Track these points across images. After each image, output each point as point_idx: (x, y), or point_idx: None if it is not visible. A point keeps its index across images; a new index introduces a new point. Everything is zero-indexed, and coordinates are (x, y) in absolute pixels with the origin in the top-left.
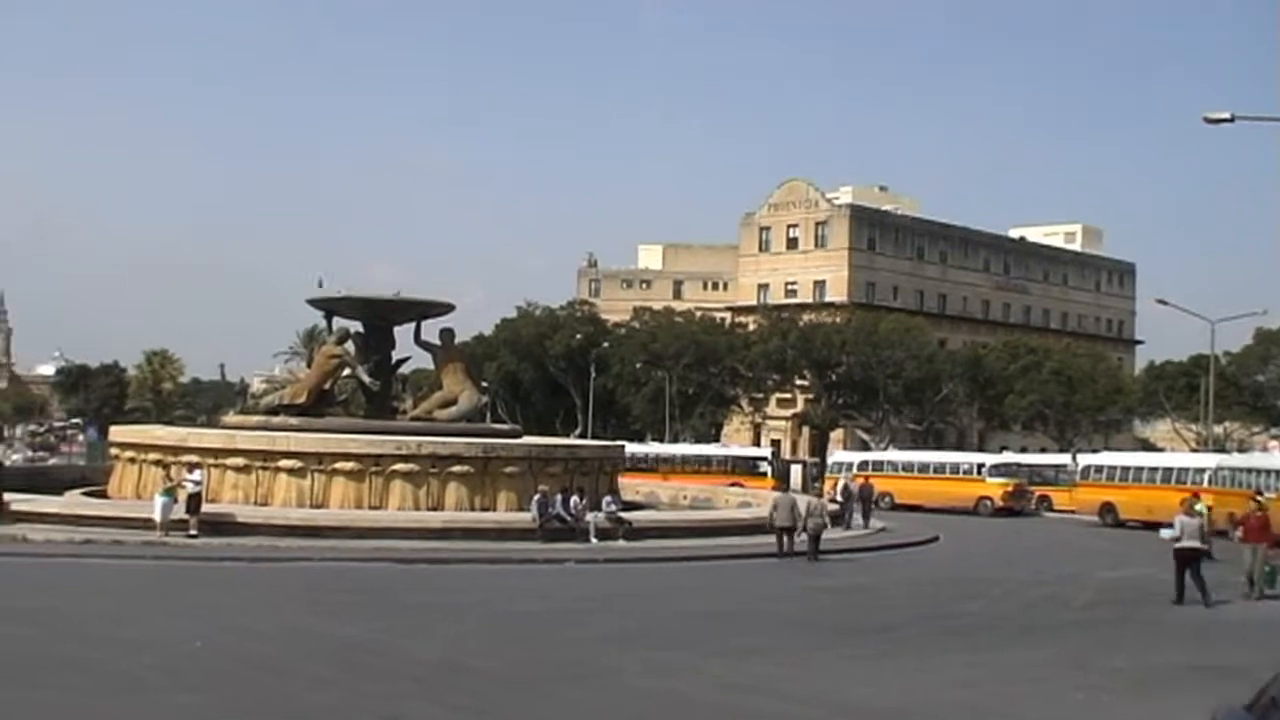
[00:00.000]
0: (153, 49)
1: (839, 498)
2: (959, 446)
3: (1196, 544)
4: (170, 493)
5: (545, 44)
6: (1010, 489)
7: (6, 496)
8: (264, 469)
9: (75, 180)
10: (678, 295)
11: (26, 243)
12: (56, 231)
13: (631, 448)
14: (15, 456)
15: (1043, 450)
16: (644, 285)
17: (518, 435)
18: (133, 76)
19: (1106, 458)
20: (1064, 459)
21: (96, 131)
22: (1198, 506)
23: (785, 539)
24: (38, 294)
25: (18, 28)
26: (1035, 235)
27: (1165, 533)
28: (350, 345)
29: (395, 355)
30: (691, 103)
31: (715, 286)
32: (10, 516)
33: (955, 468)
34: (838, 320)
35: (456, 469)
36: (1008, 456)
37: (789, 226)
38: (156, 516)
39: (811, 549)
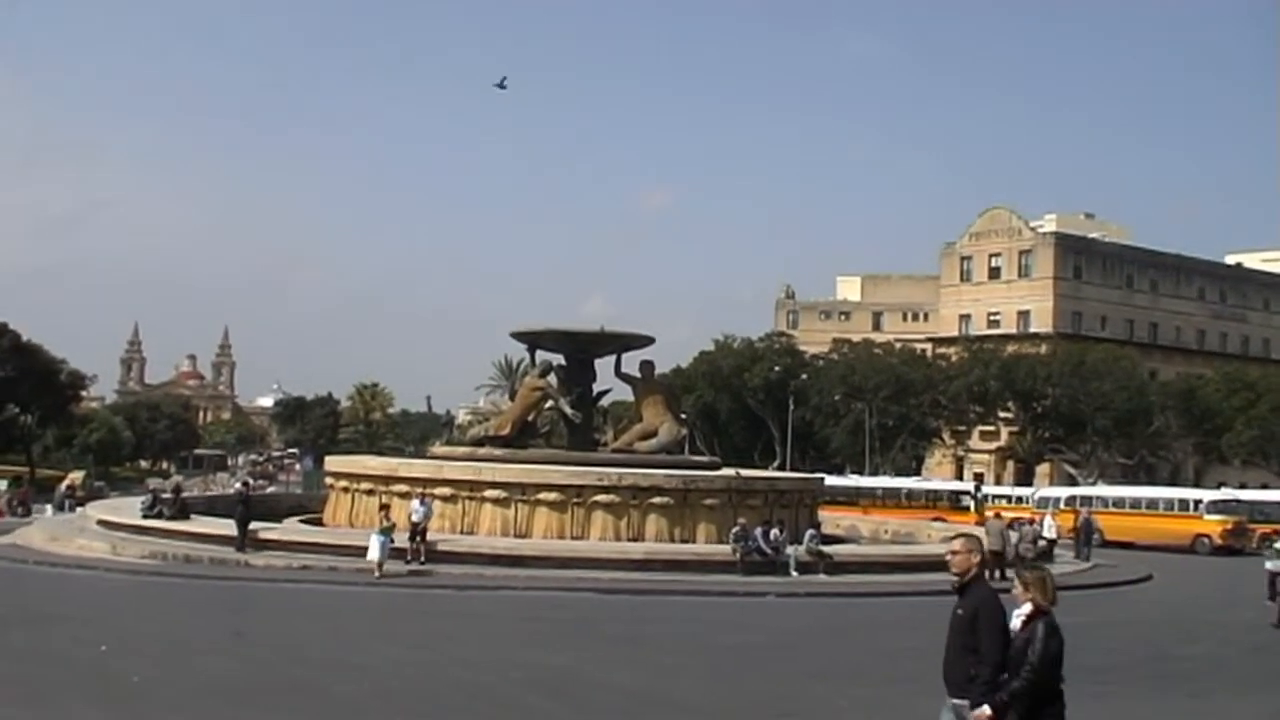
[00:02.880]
0: (366, 104)
1: (1080, 532)
2: (1172, 482)
3: None
4: (388, 531)
5: (745, 76)
6: (1230, 526)
7: (252, 525)
8: (470, 499)
9: (294, 226)
10: (877, 326)
11: (250, 283)
12: (277, 272)
13: (831, 480)
14: (237, 485)
15: (1264, 486)
16: (842, 317)
17: (717, 467)
18: (347, 133)
19: None
20: None
21: (312, 181)
22: None
23: (994, 566)
24: (258, 329)
25: (250, 103)
26: (1253, 261)
27: (1270, 564)
28: (553, 378)
29: (596, 387)
30: (890, 132)
31: (915, 318)
32: (256, 543)
33: (1170, 503)
34: (1042, 351)
35: (657, 500)
36: (1227, 492)
37: (991, 256)
38: (374, 556)
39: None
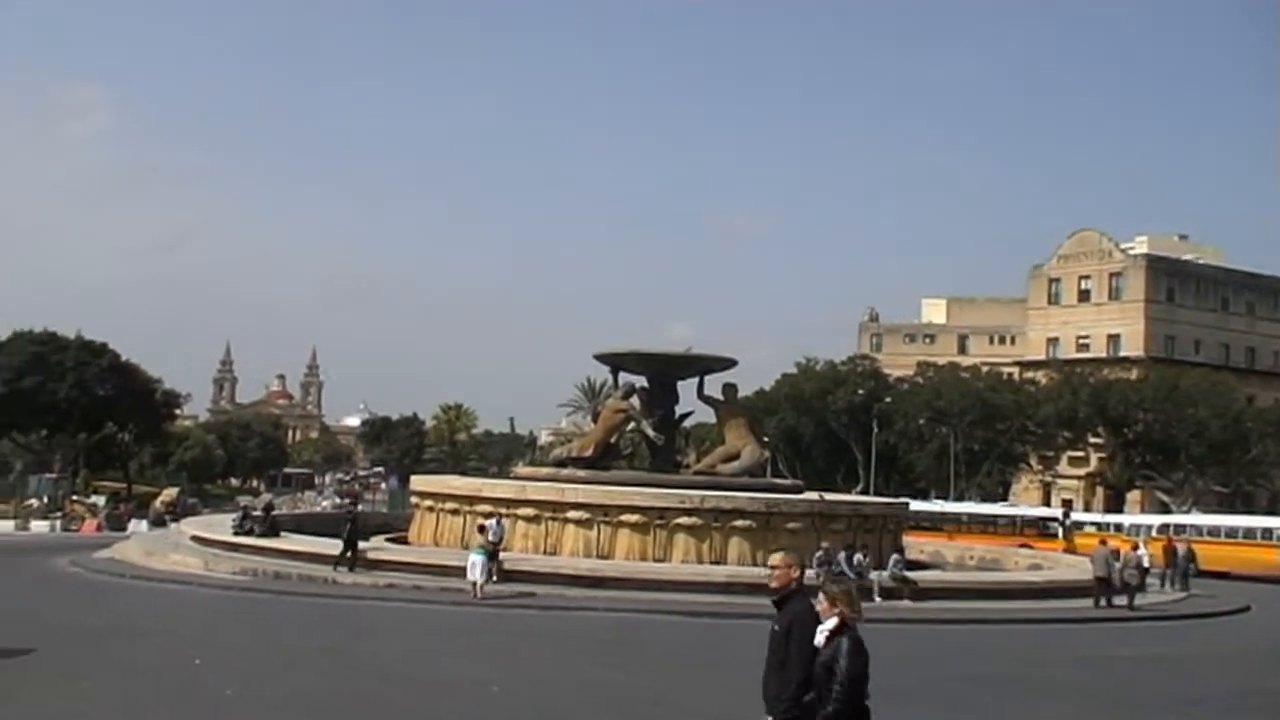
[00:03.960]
0: (459, 130)
1: (1178, 561)
2: (1271, 511)
3: None
4: (485, 551)
5: (831, 97)
6: None
7: (361, 545)
8: (553, 519)
9: (381, 247)
10: (962, 350)
11: (337, 304)
12: (362, 292)
13: (915, 505)
14: (324, 503)
15: None
16: (927, 340)
17: (799, 490)
18: (446, 166)
19: None
20: None
21: (397, 204)
22: None
23: (1101, 591)
24: (345, 349)
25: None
26: None
27: None
28: (635, 400)
29: (678, 410)
30: (977, 152)
31: (1002, 341)
32: (365, 564)
33: (1268, 533)
34: (1134, 376)
35: (739, 523)
36: None
37: (1080, 278)
38: (475, 578)
39: (1128, 599)
